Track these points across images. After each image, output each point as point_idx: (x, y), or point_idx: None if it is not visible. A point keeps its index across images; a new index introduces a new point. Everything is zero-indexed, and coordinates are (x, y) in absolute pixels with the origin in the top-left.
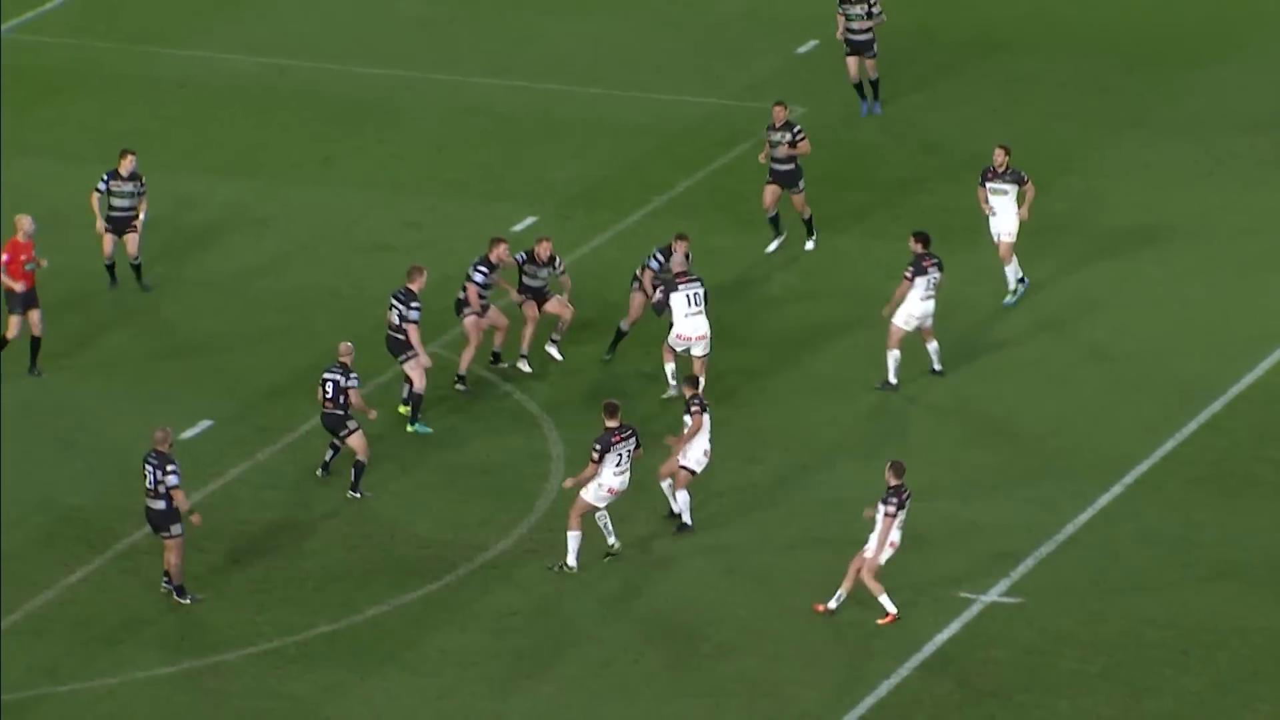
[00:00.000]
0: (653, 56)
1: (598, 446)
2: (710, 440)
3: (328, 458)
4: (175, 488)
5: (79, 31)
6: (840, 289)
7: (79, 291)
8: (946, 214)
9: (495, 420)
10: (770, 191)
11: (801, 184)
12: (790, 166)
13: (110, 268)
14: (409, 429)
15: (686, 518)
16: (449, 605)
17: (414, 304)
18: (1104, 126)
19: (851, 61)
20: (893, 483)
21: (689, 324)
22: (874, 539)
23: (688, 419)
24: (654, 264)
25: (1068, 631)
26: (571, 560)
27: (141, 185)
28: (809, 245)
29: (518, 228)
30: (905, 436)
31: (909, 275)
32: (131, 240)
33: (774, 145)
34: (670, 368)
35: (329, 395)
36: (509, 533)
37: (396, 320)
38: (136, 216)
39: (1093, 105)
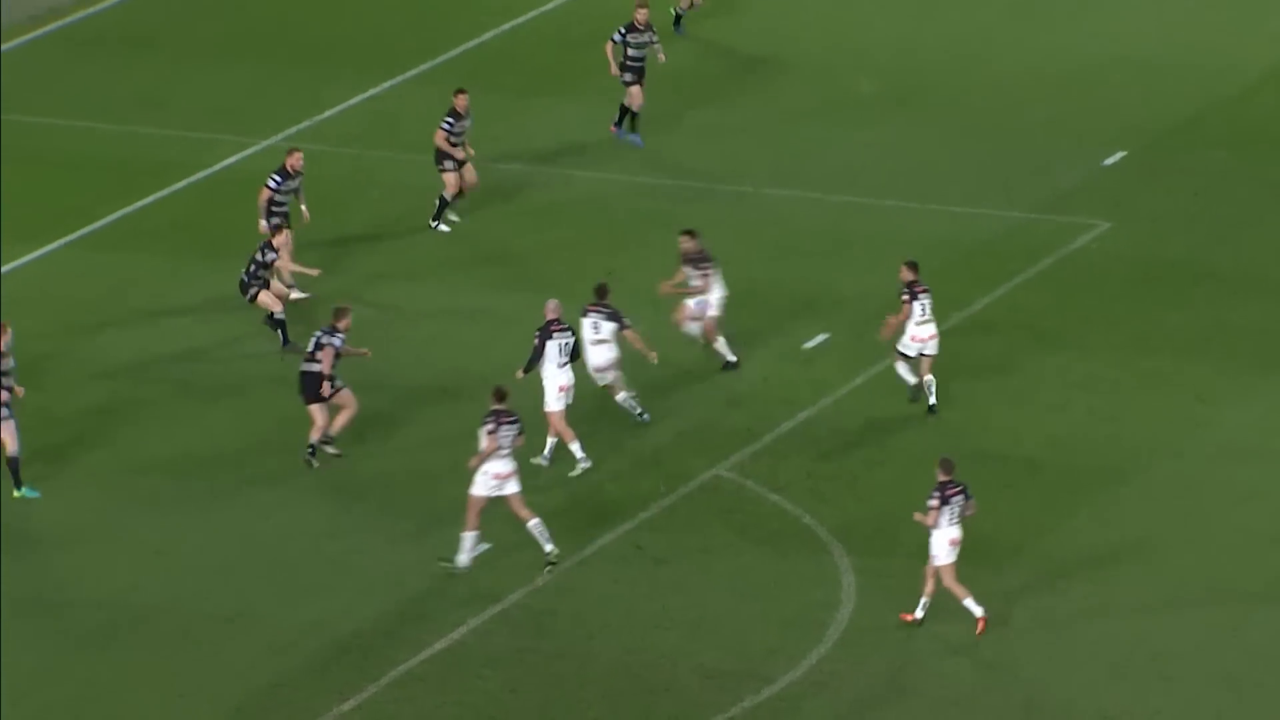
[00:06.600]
0: (951, 167)
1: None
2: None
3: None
4: None
5: (358, 140)
6: (1147, 414)
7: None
8: (1264, 336)
9: (783, 545)
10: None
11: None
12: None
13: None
14: None
15: None
16: None
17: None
18: None
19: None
20: (941, 478)
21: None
22: (934, 541)
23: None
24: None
25: None
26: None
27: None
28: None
29: (809, 344)
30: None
31: (906, 299)
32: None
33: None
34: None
35: None
36: (797, 664)
37: None
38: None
39: None
